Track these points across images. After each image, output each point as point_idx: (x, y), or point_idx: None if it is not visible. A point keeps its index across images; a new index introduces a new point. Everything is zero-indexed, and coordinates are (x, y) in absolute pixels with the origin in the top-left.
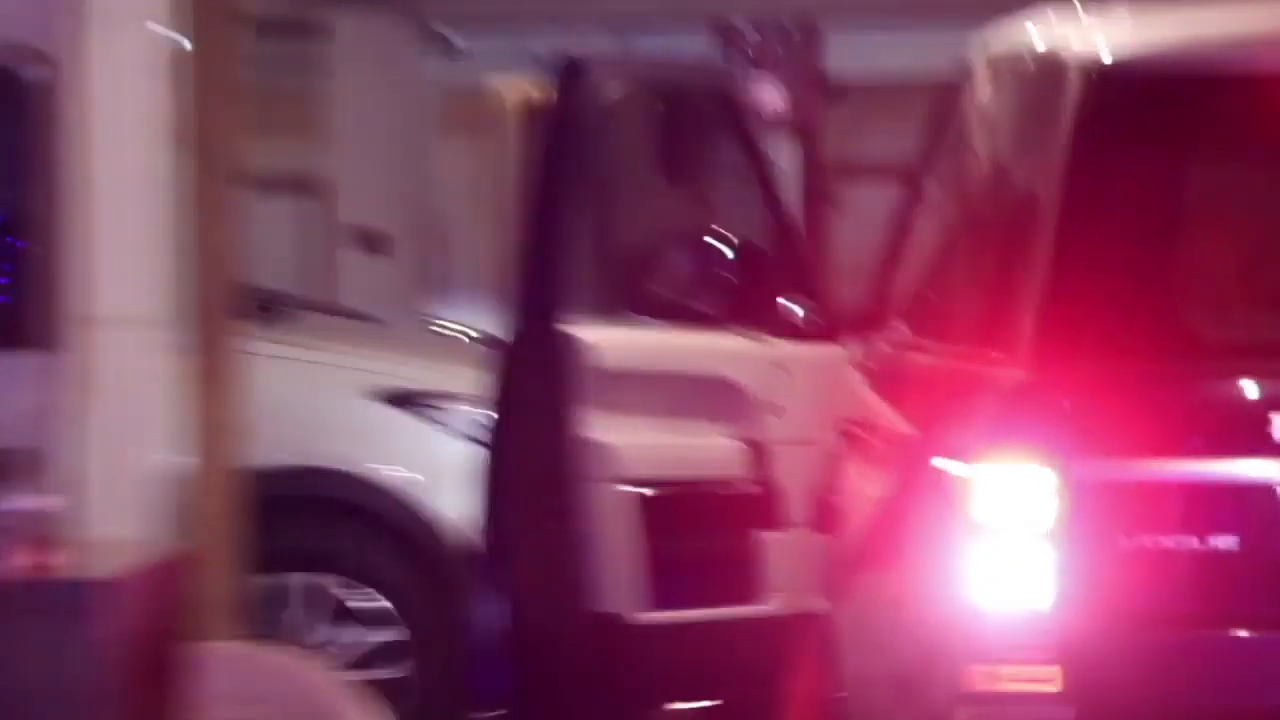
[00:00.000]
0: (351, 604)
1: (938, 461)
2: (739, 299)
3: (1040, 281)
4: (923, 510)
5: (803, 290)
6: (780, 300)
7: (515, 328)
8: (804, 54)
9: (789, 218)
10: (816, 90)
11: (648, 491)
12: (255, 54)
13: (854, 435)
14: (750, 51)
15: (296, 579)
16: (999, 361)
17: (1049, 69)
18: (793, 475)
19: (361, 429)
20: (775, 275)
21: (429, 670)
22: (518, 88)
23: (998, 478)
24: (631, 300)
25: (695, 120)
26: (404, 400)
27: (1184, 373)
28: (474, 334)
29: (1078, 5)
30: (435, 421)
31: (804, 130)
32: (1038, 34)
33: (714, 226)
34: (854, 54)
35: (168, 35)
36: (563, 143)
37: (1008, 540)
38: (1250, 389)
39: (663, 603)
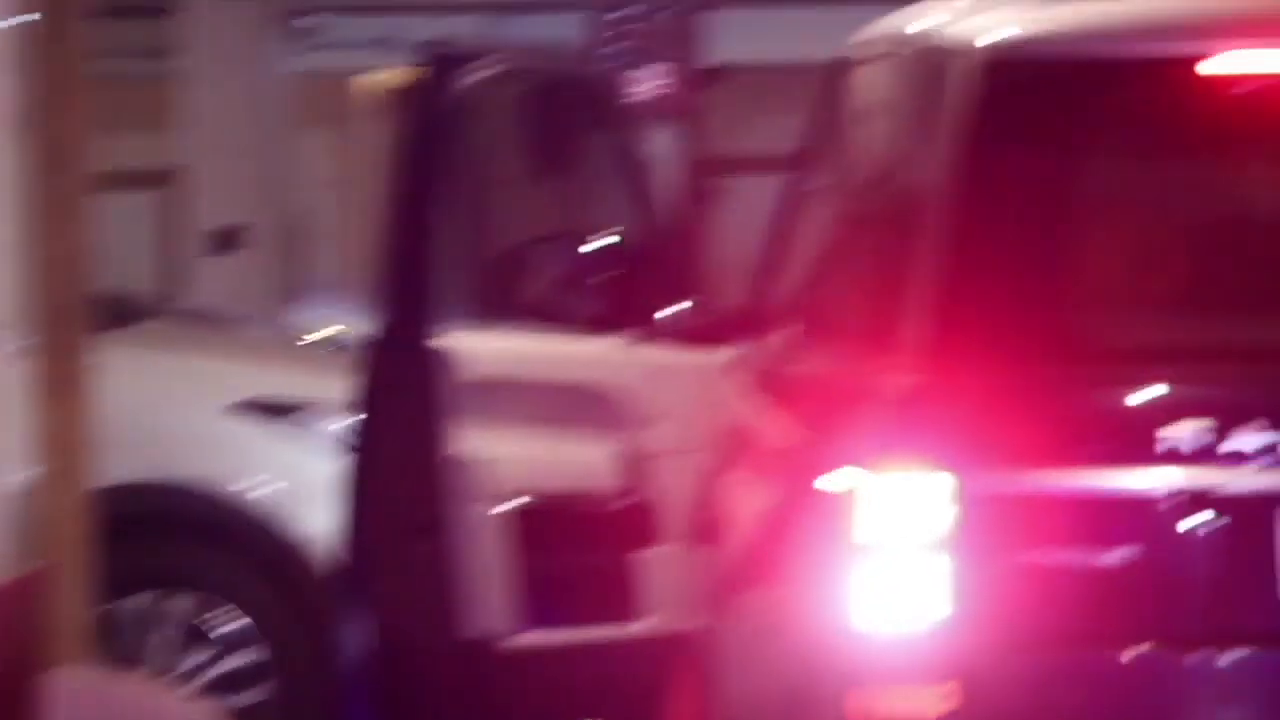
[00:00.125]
0: (210, 626)
1: (823, 473)
2: (615, 301)
3: (931, 282)
4: (807, 524)
5: (681, 291)
6: (658, 303)
7: (380, 333)
8: (682, 37)
9: (667, 214)
10: (696, 75)
11: (520, 506)
12: (101, 39)
13: (736, 445)
14: (625, 34)
15: (152, 600)
16: (887, 367)
17: (934, 56)
18: (672, 488)
19: (219, 441)
20: (653, 276)
21: (291, 694)
22: (383, 76)
23: (886, 490)
24: (502, 304)
25: (568, 112)
26: (265, 411)
27: (1081, 378)
28: (338, 339)
29: None
30: (298, 433)
31: (683, 118)
32: (924, 19)
33: (589, 224)
34: (735, 37)
35: (9, 21)
36: (428, 136)
37: (897, 556)
38: (1151, 395)
39: (536, 623)
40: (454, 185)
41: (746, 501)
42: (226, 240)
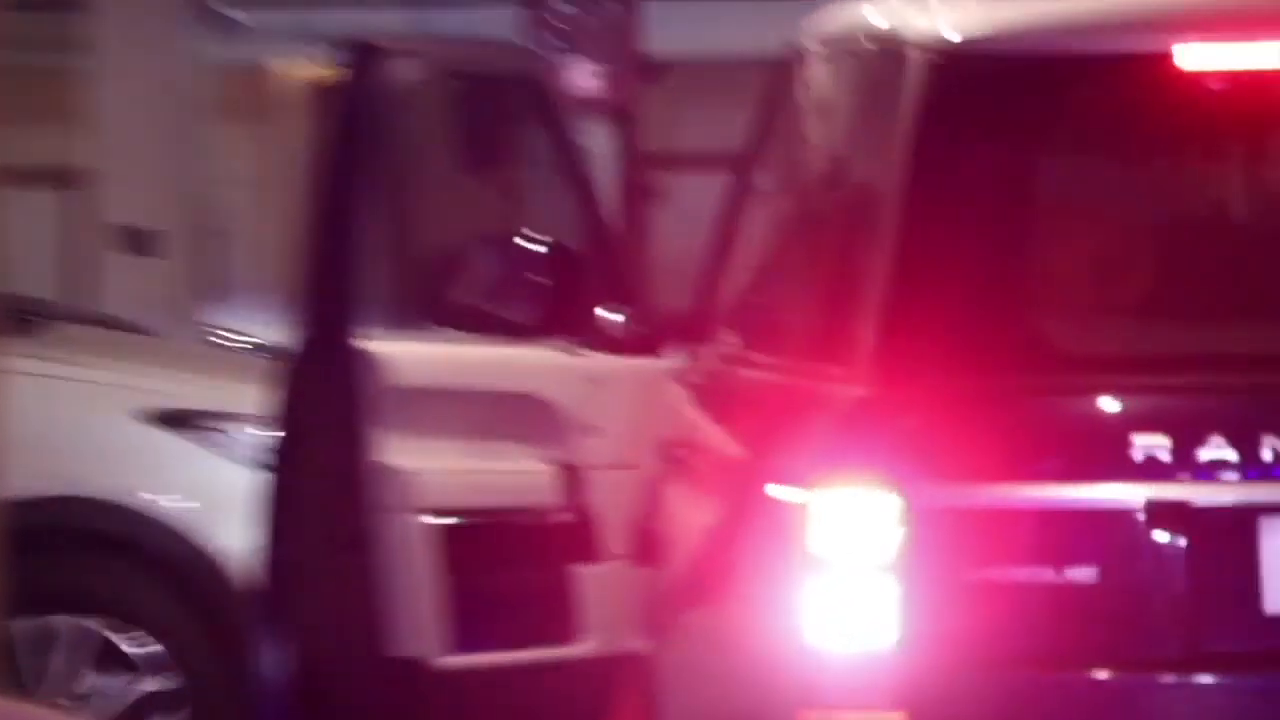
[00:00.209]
0: (121, 649)
1: (769, 487)
2: (550, 307)
3: (881, 288)
4: (752, 541)
5: (620, 296)
6: (596, 308)
7: (302, 339)
8: (620, 28)
9: (605, 215)
10: (635, 69)
11: (451, 522)
12: (5, 30)
13: (678, 458)
14: (561, 26)
15: (58, 621)
16: (836, 377)
17: (888, 51)
18: (611, 502)
19: (131, 453)
20: (590, 280)
21: None
22: (305, 69)
23: (835, 505)
24: (431, 309)
25: (500, 107)
26: (179, 421)
27: (1040, 388)
28: (257, 345)
29: None
30: (214, 444)
31: (621, 114)
32: (879, 11)
33: (522, 226)
34: (676, 29)
35: None
36: (353, 133)
37: (846, 574)
38: (1112, 406)
39: (468, 645)
40: (380, 184)
41: (689, 517)
42: (137, 240)
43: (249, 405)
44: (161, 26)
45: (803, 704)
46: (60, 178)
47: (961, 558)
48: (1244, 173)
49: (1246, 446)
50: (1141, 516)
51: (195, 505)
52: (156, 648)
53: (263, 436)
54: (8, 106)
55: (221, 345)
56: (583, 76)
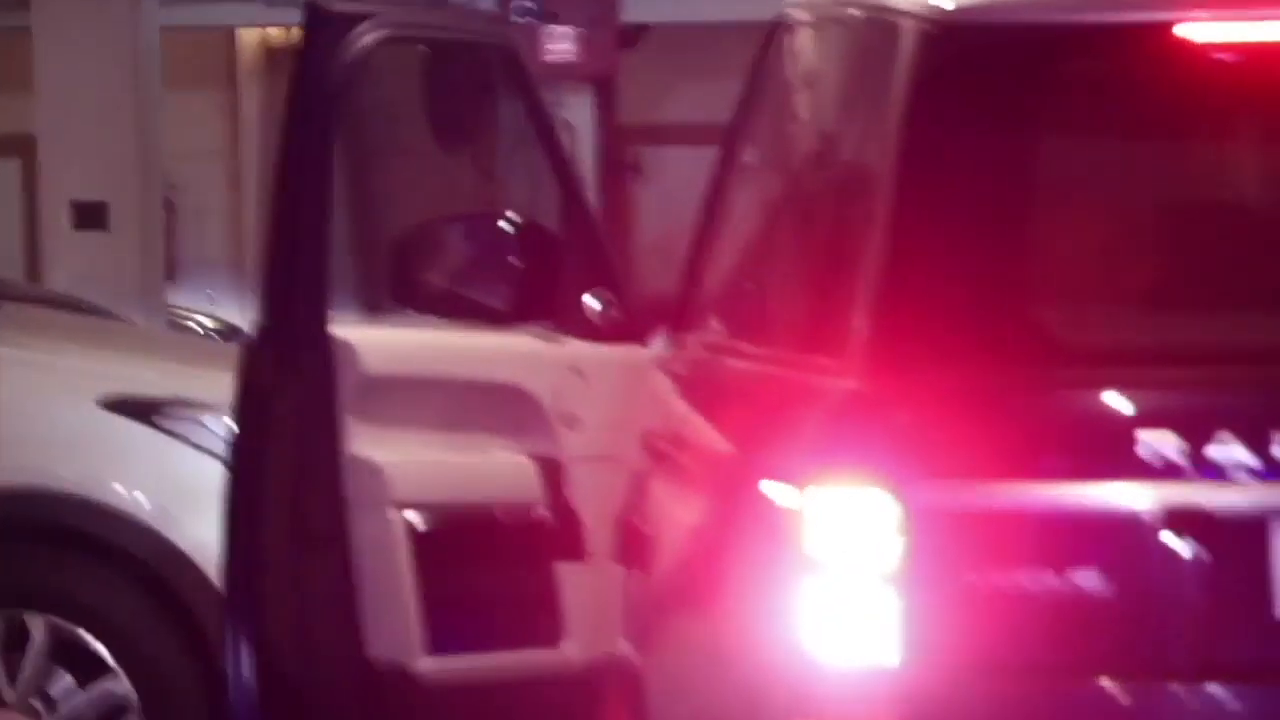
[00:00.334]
0: (68, 650)
1: (758, 485)
2: (526, 290)
3: (874, 275)
4: (742, 542)
5: (600, 280)
6: (576, 291)
7: (263, 323)
8: None
9: (582, 192)
10: (613, 35)
11: (424, 517)
12: None
13: (662, 452)
14: None
15: (24, 617)
16: (828, 369)
17: (879, 20)
18: (592, 497)
19: (93, 442)
20: (568, 262)
21: None
22: (270, 33)
23: (828, 504)
24: (400, 292)
25: (469, 76)
26: (143, 409)
27: (1042, 382)
28: (213, 327)
29: None
30: (170, 433)
31: (599, 83)
32: None
33: (495, 203)
34: None
35: None
36: (312, 104)
37: (841, 577)
38: (1118, 401)
39: (445, 647)
40: (348, 158)
41: (675, 516)
42: (91, 215)
43: (212, 391)
44: None
45: (798, 715)
46: (17, 148)
47: (962, 560)
48: (1254, 153)
49: (1258, 445)
50: (1148, 518)
51: (161, 497)
52: (105, 651)
53: (224, 425)
54: None
55: (177, 327)
56: (557, 42)
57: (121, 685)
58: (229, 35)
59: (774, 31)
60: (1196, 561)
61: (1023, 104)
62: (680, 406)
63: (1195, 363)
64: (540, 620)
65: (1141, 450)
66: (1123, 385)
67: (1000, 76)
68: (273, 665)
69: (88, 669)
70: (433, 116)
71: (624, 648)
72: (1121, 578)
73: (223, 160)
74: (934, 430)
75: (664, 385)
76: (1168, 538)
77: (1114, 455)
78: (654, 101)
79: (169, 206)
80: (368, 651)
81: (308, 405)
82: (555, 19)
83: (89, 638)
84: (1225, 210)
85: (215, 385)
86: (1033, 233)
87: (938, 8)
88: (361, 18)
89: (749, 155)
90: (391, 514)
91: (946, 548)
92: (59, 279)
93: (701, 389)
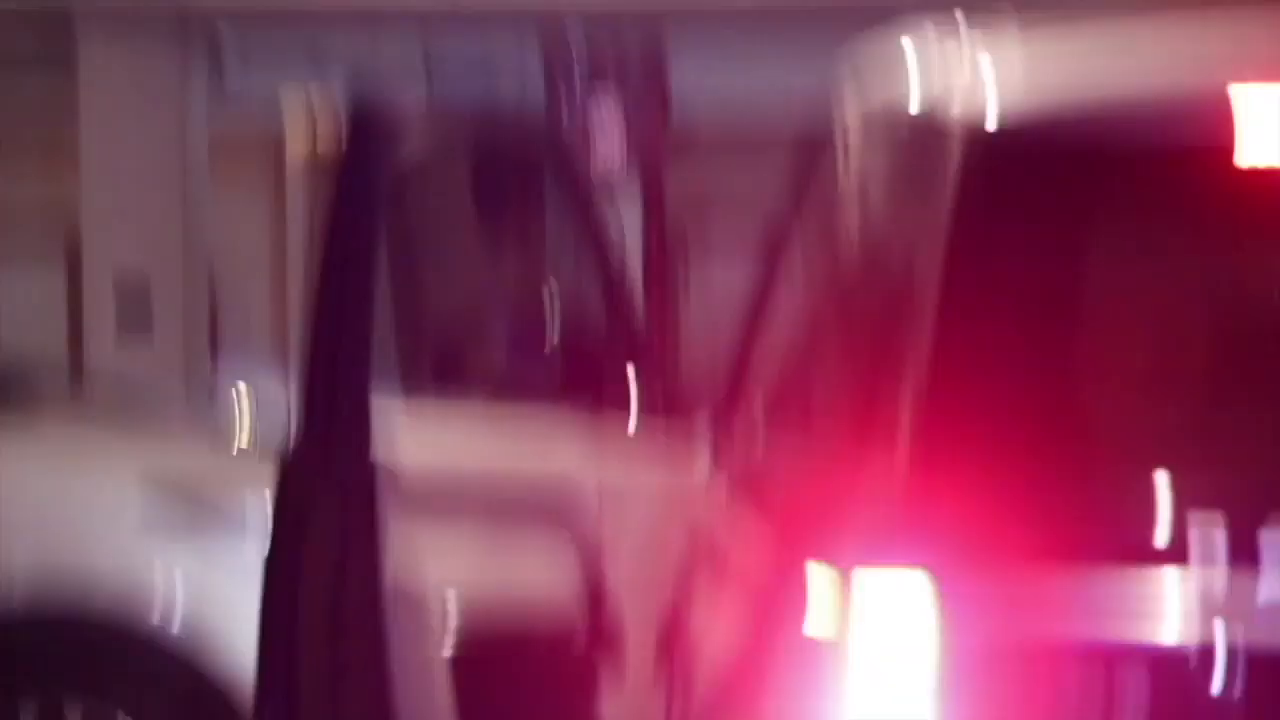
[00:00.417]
0: None
1: (805, 582)
2: (574, 380)
3: (922, 376)
4: (790, 642)
5: (646, 373)
6: (623, 389)
7: (305, 430)
8: (649, 94)
9: (629, 290)
10: (663, 124)
11: (467, 634)
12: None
13: (706, 547)
14: (583, 72)
15: (65, 706)
16: (873, 465)
17: (928, 126)
18: (638, 596)
19: (123, 545)
20: (613, 354)
21: None
22: (314, 134)
23: (875, 596)
24: (447, 384)
25: (521, 175)
26: (176, 512)
27: (1086, 480)
28: (258, 422)
29: (960, 24)
30: (209, 535)
31: (647, 175)
32: (915, 75)
33: (544, 300)
34: (707, 96)
35: None
36: (360, 203)
37: (887, 669)
38: (1159, 497)
39: None
40: (391, 255)
41: (720, 621)
42: (130, 309)
43: (250, 496)
44: (149, 84)
45: None
46: (45, 239)
47: (1006, 653)
48: None
49: None
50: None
51: (198, 596)
52: None
53: (266, 531)
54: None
55: (224, 422)
56: (607, 143)
57: None
58: (276, 137)
59: (819, 133)
60: (1237, 653)
61: (1070, 212)
62: (725, 501)
63: (1240, 467)
64: None
65: (1181, 551)
66: (1163, 483)
67: (1051, 187)
68: None
69: None
70: (479, 207)
71: None
72: (1161, 696)
73: (269, 260)
74: (979, 525)
75: (709, 479)
76: (1206, 646)
77: (1156, 548)
78: (701, 201)
79: (215, 306)
80: None
81: (346, 505)
82: (605, 120)
83: None
84: (1275, 320)
85: (247, 489)
86: (1077, 336)
87: (987, 115)
88: (408, 119)
89: (798, 249)
90: (434, 627)
91: (990, 640)
92: (102, 372)
93: (748, 484)
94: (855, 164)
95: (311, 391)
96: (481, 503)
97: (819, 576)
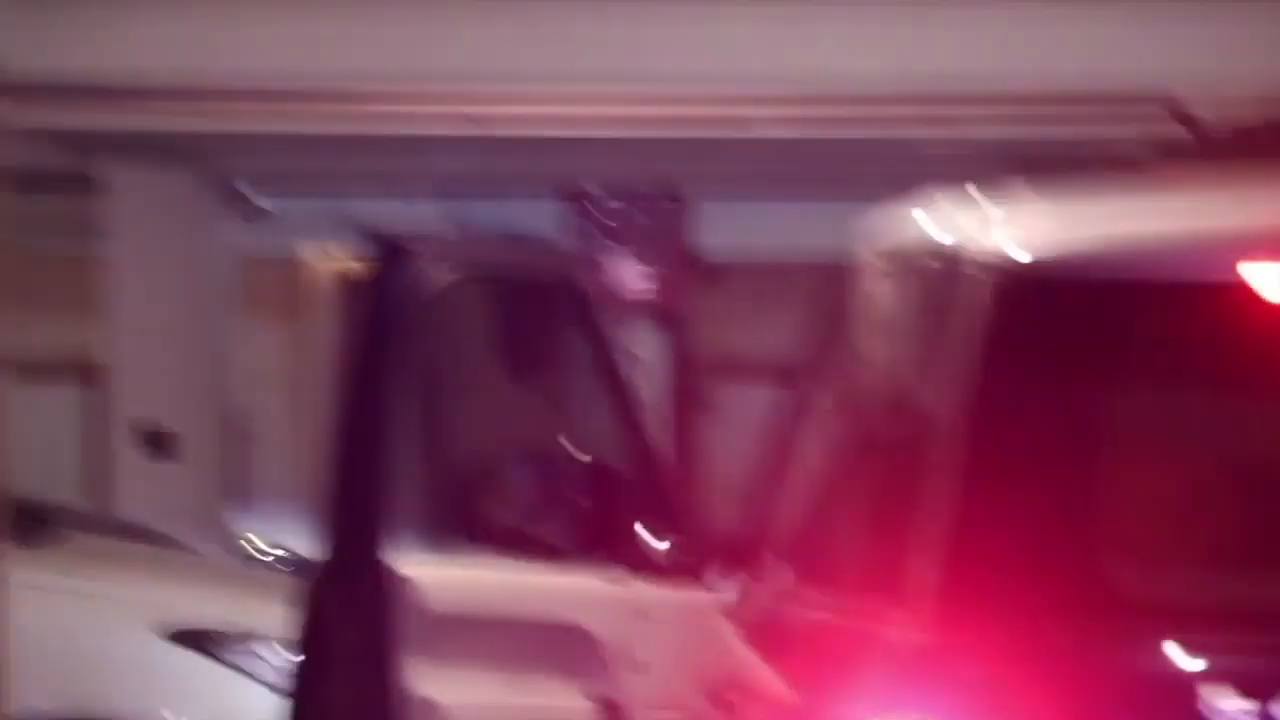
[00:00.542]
0: None
1: None
2: (591, 528)
3: (944, 528)
4: None
5: (666, 519)
6: (639, 531)
7: (327, 555)
8: (671, 227)
9: (649, 428)
10: (685, 271)
11: None
12: (15, 213)
13: (728, 701)
14: (607, 223)
15: None
16: (894, 620)
17: (952, 269)
18: None
19: (150, 672)
20: (633, 500)
21: None
22: (334, 258)
23: None
24: (464, 527)
25: (542, 310)
26: (195, 640)
27: (1109, 640)
28: (280, 557)
29: (974, 191)
30: (228, 665)
31: (670, 318)
32: (939, 223)
33: (562, 438)
34: (728, 229)
35: None
36: (381, 334)
37: None
38: (1183, 661)
39: None
40: (411, 391)
41: None
42: (157, 440)
43: (271, 623)
44: (180, 211)
45: None
46: (80, 373)
47: None
48: None
49: None
50: None
51: None
52: None
53: (284, 658)
54: (24, 296)
55: (245, 558)
56: (630, 277)
57: None
58: (302, 264)
59: (843, 272)
60: None
61: (1095, 356)
62: (746, 652)
63: (1267, 626)
64: None
65: (1203, 709)
66: (1186, 643)
67: (1073, 328)
68: None
69: None
70: (502, 350)
71: None
72: None
73: (294, 388)
74: (999, 684)
75: (729, 631)
76: None
77: (1175, 715)
78: (723, 336)
79: (240, 434)
80: None
81: (367, 640)
82: (629, 254)
83: None
84: None
85: (275, 617)
86: (1102, 486)
87: (1011, 258)
88: (431, 252)
89: (821, 400)
90: None
91: None
92: (126, 505)
93: (767, 635)
94: (879, 306)
95: (332, 518)
96: (500, 641)
97: None
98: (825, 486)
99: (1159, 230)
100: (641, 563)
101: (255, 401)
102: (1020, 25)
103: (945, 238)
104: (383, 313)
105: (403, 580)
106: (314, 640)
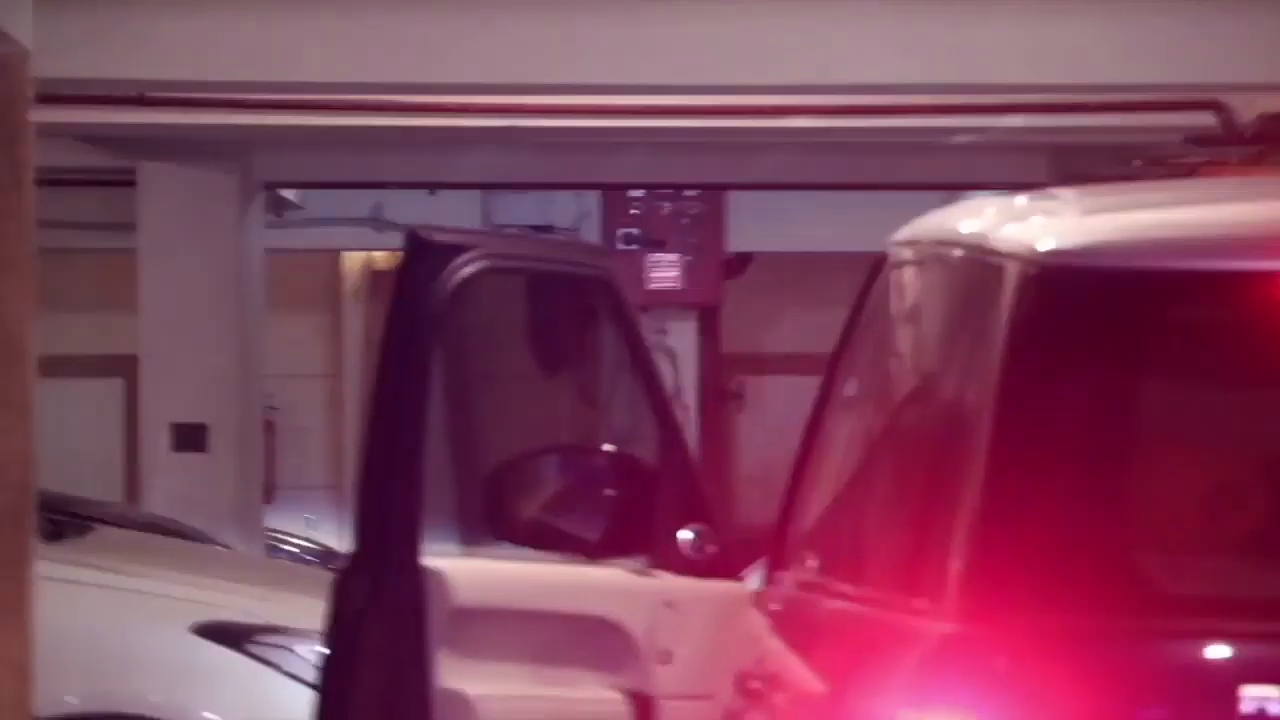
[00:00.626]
0: None
1: None
2: (620, 523)
3: (972, 518)
4: None
5: (694, 512)
6: (668, 525)
7: (357, 550)
8: (703, 222)
9: (679, 424)
10: (718, 264)
11: None
12: (57, 211)
13: (755, 691)
14: (640, 217)
15: None
16: (923, 611)
17: (982, 261)
18: None
19: (181, 669)
20: (662, 494)
21: None
22: (364, 255)
23: None
24: (494, 522)
25: (574, 306)
26: (227, 635)
27: (1139, 631)
28: (312, 551)
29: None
30: (261, 660)
31: (703, 310)
32: (975, 218)
33: (592, 433)
34: (760, 223)
35: None
36: (416, 330)
37: None
38: (1215, 652)
39: None
40: (446, 386)
41: None
42: (190, 437)
43: (302, 618)
44: (209, 207)
45: None
46: (116, 368)
47: None
48: None
49: None
50: None
51: None
52: None
53: (315, 653)
54: (61, 291)
55: (278, 553)
56: (663, 270)
57: None
58: (333, 258)
59: (878, 267)
60: None
61: (1123, 347)
62: (775, 644)
63: None
64: None
65: (1241, 706)
66: (1218, 635)
67: (1101, 319)
68: None
69: None
70: (533, 345)
71: None
72: None
73: (324, 382)
74: (1027, 675)
75: (758, 622)
76: None
77: (1209, 708)
78: (755, 329)
79: (269, 428)
80: None
81: (398, 634)
82: (661, 247)
83: None
84: None
85: (307, 612)
86: (1132, 477)
87: (1039, 250)
88: (462, 247)
89: (849, 390)
90: None
91: None
92: (157, 500)
93: (796, 626)
94: (910, 295)
95: (364, 511)
96: (530, 635)
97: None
98: (855, 477)
99: (1193, 224)
100: (670, 555)
101: (288, 397)
102: (1056, 22)
103: (978, 230)
104: (416, 308)
105: (433, 573)
106: (345, 634)
